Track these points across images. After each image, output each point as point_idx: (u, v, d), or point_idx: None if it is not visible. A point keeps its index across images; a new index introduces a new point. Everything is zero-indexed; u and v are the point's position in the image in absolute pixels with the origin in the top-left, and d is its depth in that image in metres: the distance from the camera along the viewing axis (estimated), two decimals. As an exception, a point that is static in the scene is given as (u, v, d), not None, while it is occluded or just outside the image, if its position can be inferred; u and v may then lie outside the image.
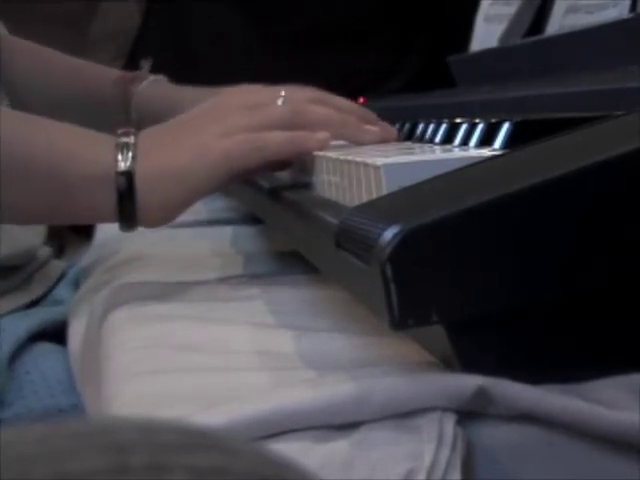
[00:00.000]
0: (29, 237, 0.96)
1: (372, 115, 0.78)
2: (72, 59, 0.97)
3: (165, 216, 0.71)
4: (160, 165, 0.70)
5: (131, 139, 0.71)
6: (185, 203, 0.71)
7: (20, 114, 0.74)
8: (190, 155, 0.70)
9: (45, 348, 0.85)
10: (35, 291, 0.94)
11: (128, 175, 0.69)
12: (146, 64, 0.97)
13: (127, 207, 0.69)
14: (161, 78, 0.77)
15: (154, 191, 0.70)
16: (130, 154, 0.70)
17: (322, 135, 0.71)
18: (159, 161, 0.70)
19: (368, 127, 0.75)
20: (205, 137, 0.70)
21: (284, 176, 0.77)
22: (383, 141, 0.75)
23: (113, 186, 0.69)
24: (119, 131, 0.71)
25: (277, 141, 0.70)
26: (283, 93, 0.75)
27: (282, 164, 0.74)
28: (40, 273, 0.96)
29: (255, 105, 0.74)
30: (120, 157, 0.69)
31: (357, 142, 0.74)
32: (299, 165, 0.74)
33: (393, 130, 0.77)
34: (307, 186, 0.69)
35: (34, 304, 0.92)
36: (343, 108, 0.77)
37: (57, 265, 1.00)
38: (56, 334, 0.85)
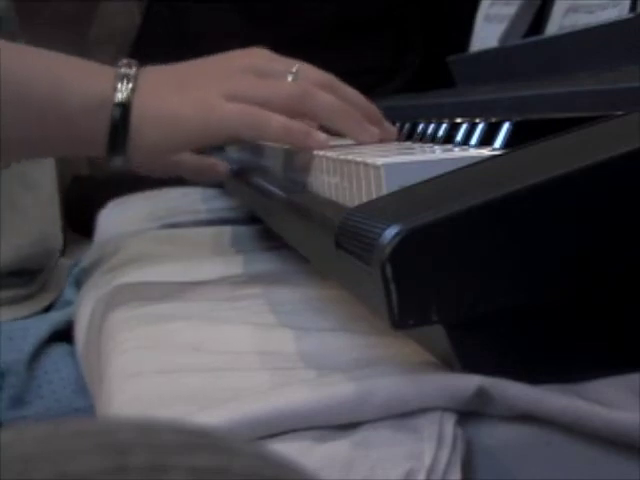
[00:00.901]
0: (46, 240, 0.96)
1: (378, 113, 0.77)
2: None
3: (153, 155, 0.72)
4: (159, 107, 0.70)
5: (132, 70, 0.70)
6: (173, 150, 0.72)
7: (20, 46, 0.73)
8: (191, 108, 0.70)
9: (62, 349, 0.86)
10: (51, 294, 0.95)
11: (124, 107, 0.68)
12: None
13: (119, 138, 0.69)
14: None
15: (147, 131, 0.69)
16: (130, 85, 0.69)
17: (321, 137, 0.70)
18: (159, 103, 0.70)
19: (369, 126, 0.75)
20: (210, 94, 0.70)
21: (284, 176, 0.77)
22: (381, 142, 0.74)
23: (108, 115, 0.68)
24: (121, 61, 0.71)
25: (276, 127, 0.70)
26: (295, 69, 0.74)
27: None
28: (54, 275, 0.97)
29: (265, 73, 0.74)
30: (119, 87, 0.69)
31: (355, 139, 0.73)
32: (299, 165, 0.74)
33: (394, 131, 0.77)
34: (307, 186, 0.69)
35: (49, 307, 0.93)
36: (351, 100, 0.76)
37: (63, 265, 1.01)
38: (69, 334, 0.86)
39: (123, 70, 0.70)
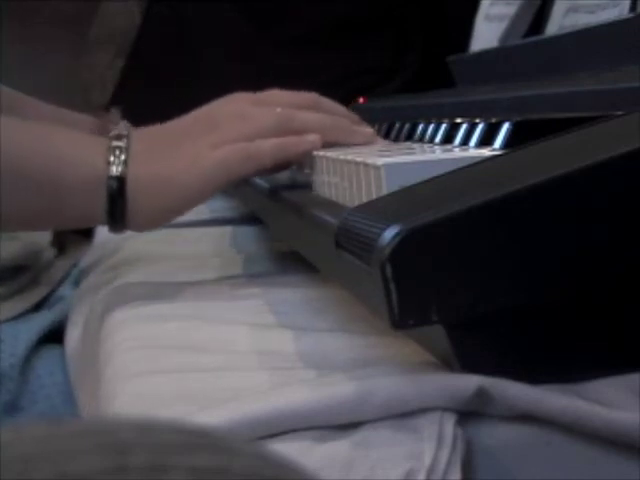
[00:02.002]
0: (32, 237, 0.96)
1: (357, 117, 0.79)
2: (54, 110, 0.94)
3: (155, 222, 0.72)
4: (152, 172, 0.70)
5: (123, 142, 0.71)
6: (176, 211, 0.72)
7: (15, 121, 0.73)
8: (183, 164, 0.70)
9: (55, 351, 0.85)
10: (40, 292, 0.94)
11: (120, 180, 0.69)
12: (116, 111, 0.97)
13: (117, 211, 0.70)
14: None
15: (145, 197, 0.70)
16: (122, 157, 0.70)
17: (312, 137, 0.71)
18: (151, 168, 0.70)
19: (359, 128, 0.76)
20: (198, 146, 0.71)
21: (284, 176, 0.77)
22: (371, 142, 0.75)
23: (104, 189, 0.69)
24: (111, 134, 0.72)
25: (269, 148, 0.71)
26: (279, 110, 0.75)
27: (278, 168, 0.74)
28: (45, 274, 0.96)
29: (247, 114, 0.75)
30: (112, 160, 0.70)
31: (349, 144, 0.74)
32: (299, 165, 0.74)
33: (372, 132, 0.78)
34: (307, 186, 0.69)
35: (39, 305, 0.93)
36: (332, 111, 0.77)
37: (61, 265, 1.00)
38: (63, 335, 0.85)
39: (114, 143, 0.71)
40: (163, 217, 0.72)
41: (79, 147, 0.72)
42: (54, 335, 0.86)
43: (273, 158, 0.71)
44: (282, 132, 0.72)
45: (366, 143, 0.74)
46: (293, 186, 0.72)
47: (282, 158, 0.72)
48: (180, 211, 0.72)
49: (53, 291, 0.96)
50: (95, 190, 0.69)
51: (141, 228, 0.72)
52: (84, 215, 0.72)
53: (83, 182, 0.70)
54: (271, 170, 0.74)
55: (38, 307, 0.92)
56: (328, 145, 0.72)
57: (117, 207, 0.69)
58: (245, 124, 0.73)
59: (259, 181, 0.78)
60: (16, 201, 0.69)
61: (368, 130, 0.76)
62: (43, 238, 0.99)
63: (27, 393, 0.80)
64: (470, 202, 0.39)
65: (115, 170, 0.69)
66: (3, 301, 0.89)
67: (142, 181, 0.70)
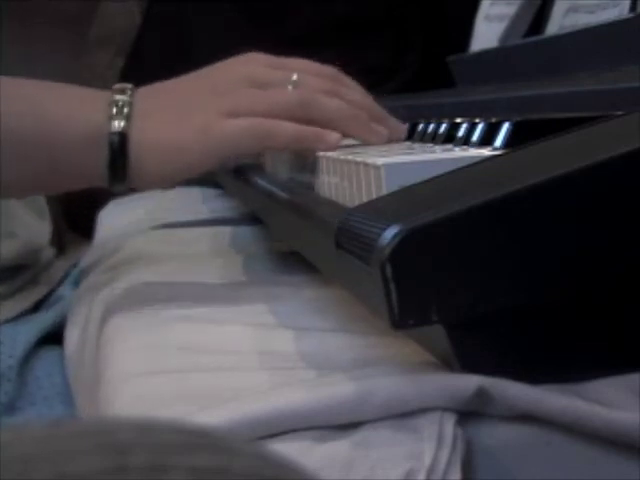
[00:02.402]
0: (34, 237, 0.95)
1: (383, 112, 0.75)
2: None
3: (156, 183, 0.70)
4: (158, 135, 0.67)
5: (127, 96, 0.68)
6: (178, 176, 0.69)
7: (5, 81, 0.70)
8: (191, 132, 0.67)
9: (53, 352, 0.84)
10: (40, 292, 0.93)
11: (121, 136, 0.66)
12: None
13: (119, 168, 0.67)
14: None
15: (148, 160, 0.67)
16: (125, 111, 0.67)
17: (331, 137, 0.68)
18: (157, 128, 0.68)
19: (377, 127, 0.73)
20: (209, 115, 0.68)
21: (284, 176, 0.77)
22: (390, 141, 0.73)
23: (105, 145, 0.66)
24: (114, 86, 0.69)
25: (284, 135, 0.68)
26: (295, 77, 0.72)
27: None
28: (45, 274, 0.96)
29: (264, 83, 0.71)
30: (114, 114, 0.67)
31: (363, 141, 0.71)
32: (299, 165, 0.73)
33: (403, 128, 0.75)
34: (307, 186, 0.69)
35: (38, 305, 0.92)
36: (356, 102, 0.74)
37: (61, 266, 1.00)
38: (62, 335, 0.85)
39: (117, 96, 0.67)
40: (165, 179, 0.69)
41: (75, 102, 0.69)
42: (53, 336, 0.86)
43: (284, 145, 0.69)
44: (300, 115, 0.69)
45: (381, 143, 0.71)
46: (293, 186, 0.72)
47: (294, 148, 0.69)
48: (184, 175, 0.69)
49: (52, 291, 0.95)
50: (94, 146, 0.66)
51: (143, 187, 0.71)
52: (84, 173, 0.68)
53: (80, 138, 0.67)
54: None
55: (37, 307, 0.92)
56: (343, 135, 0.70)
57: (118, 164, 0.66)
58: (259, 96, 0.69)
59: (259, 181, 0.78)
60: (14, 164, 0.67)
61: (385, 131, 0.73)
62: (42, 238, 0.99)
63: (25, 394, 0.79)
64: (470, 202, 0.39)
65: (117, 125, 0.66)
66: (2, 301, 0.88)
67: (146, 140, 0.67)
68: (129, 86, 0.69)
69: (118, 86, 0.69)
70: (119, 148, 0.66)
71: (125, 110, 0.67)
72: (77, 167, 0.68)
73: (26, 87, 0.70)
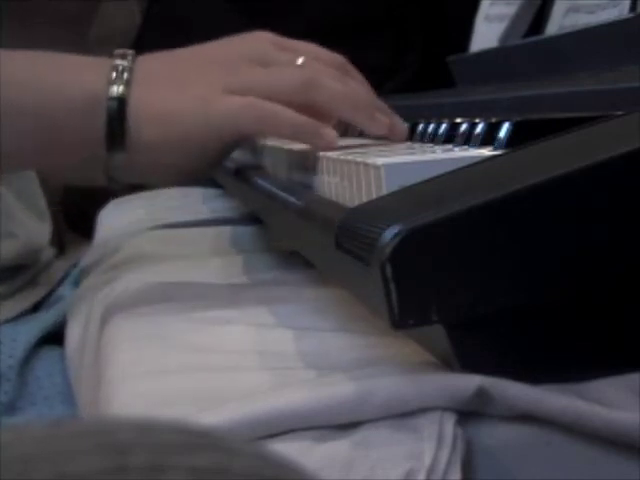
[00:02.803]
0: (34, 238, 0.95)
1: (386, 107, 0.74)
2: None
3: (154, 151, 0.68)
4: (157, 104, 0.66)
5: (127, 62, 0.66)
6: (176, 145, 0.67)
7: (4, 53, 0.68)
8: (190, 105, 0.66)
9: (53, 352, 0.84)
10: (40, 292, 0.93)
11: (120, 101, 0.65)
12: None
13: (117, 134, 0.65)
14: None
15: (145, 128, 0.66)
16: (125, 77, 0.65)
17: (330, 136, 0.67)
18: (156, 100, 0.66)
19: (379, 116, 0.71)
20: (210, 89, 0.66)
21: (284, 176, 0.77)
22: (390, 136, 0.71)
23: (104, 110, 0.65)
24: (116, 52, 0.67)
25: (283, 120, 0.66)
26: (301, 60, 0.70)
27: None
28: (44, 274, 0.96)
29: (270, 63, 0.70)
30: (113, 79, 0.65)
31: (365, 129, 0.70)
32: (299, 165, 0.73)
33: (404, 127, 0.73)
34: (307, 186, 0.69)
35: (38, 305, 0.92)
36: (359, 92, 0.73)
37: (60, 266, 1.00)
38: (62, 335, 0.85)
39: (117, 61, 0.66)
40: (161, 150, 0.67)
41: (73, 69, 0.67)
42: (53, 336, 0.86)
43: (283, 132, 0.67)
44: (299, 96, 0.67)
45: (382, 134, 0.70)
46: (293, 186, 0.72)
47: (292, 138, 0.68)
48: (178, 150, 0.67)
49: (52, 291, 0.95)
50: (94, 112, 0.65)
51: (140, 155, 0.67)
52: (83, 140, 0.67)
53: (78, 104, 0.65)
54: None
55: (37, 308, 0.92)
56: (343, 120, 0.69)
57: (116, 130, 0.65)
58: (262, 74, 0.68)
59: (259, 181, 0.78)
60: (14, 135, 0.65)
61: (386, 121, 0.71)
62: (42, 238, 0.99)
63: (25, 395, 0.79)
64: (470, 202, 0.39)
65: (116, 90, 0.65)
66: (2, 301, 0.88)
67: (144, 108, 0.65)
68: (130, 52, 0.68)
69: (119, 51, 0.68)
70: (117, 113, 0.65)
71: (125, 75, 0.66)
72: (76, 133, 0.66)
73: (25, 57, 0.69)
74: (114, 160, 0.67)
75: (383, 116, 0.72)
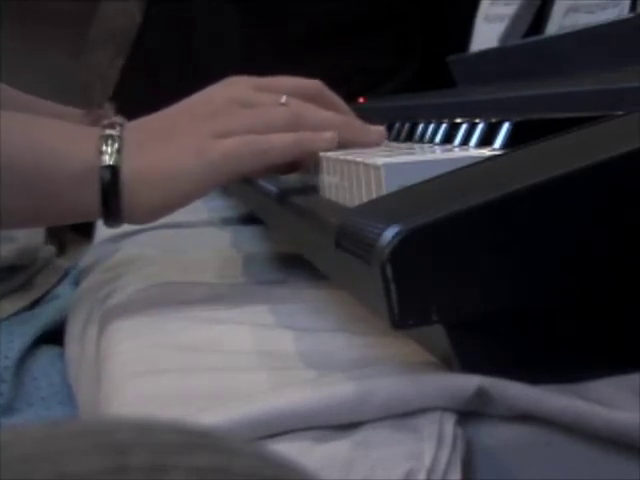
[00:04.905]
0: (28, 237, 0.95)
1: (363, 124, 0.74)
2: (54, 106, 0.91)
3: (154, 215, 0.68)
4: (150, 164, 0.66)
5: (116, 131, 0.67)
6: (177, 204, 0.68)
7: (3, 115, 0.69)
8: (185, 156, 0.66)
9: (50, 352, 0.84)
10: (37, 291, 0.93)
11: (113, 169, 0.65)
12: (110, 106, 0.95)
13: (112, 203, 0.66)
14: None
15: (143, 189, 0.66)
16: (115, 146, 0.66)
17: (329, 135, 0.68)
18: (149, 159, 0.67)
19: (371, 127, 0.72)
20: (201, 137, 0.67)
21: (284, 176, 0.77)
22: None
23: (97, 181, 0.65)
24: (104, 122, 0.68)
25: (282, 143, 0.67)
26: (283, 99, 0.71)
27: (288, 168, 0.71)
28: (42, 273, 0.96)
29: (253, 104, 0.71)
30: (104, 150, 0.66)
31: (362, 144, 0.70)
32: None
33: (383, 131, 0.73)
34: (307, 186, 0.69)
35: (35, 304, 0.92)
36: (335, 104, 0.74)
37: (59, 265, 1.00)
38: (60, 335, 0.85)
39: (107, 131, 0.67)
40: (163, 210, 0.68)
41: (67, 138, 0.68)
42: (51, 335, 0.86)
43: (287, 154, 0.67)
44: (294, 127, 0.68)
45: (379, 143, 0.71)
46: (293, 186, 0.72)
47: (294, 155, 0.68)
48: (182, 204, 0.68)
49: (50, 291, 0.95)
50: (86, 182, 0.65)
51: (139, 222, 0.69)
52: (77, 209, 0.68)
53: (73, 174, 0.66)
54: (280, 170, 0.71)
55: (34, 306, 0.92)
56: (339, 144, 0.69)
57: (112, 200, 0.66)
58: (253, 115, 0.69)
59: (259, 181, 0.78)
60: (4, 199, 0.66)
61: (380, 130, 0.72)
62: (38, 238, 0.99)
63: (22, 395, 0.79)
64: (470, 202, 0.39)
65: (108, 160, 0.65)
66: (1, 299, 0.88)
67: (139, 173, 0.66)
68: (119, 121, 0.68)
69: (107, 121, 0.68)
70: (111, 183, 0.65)
71: (115, 145, 0.66)
72: (72, 203, 0.67)
73: (22, 120, 0.69)
74: (110, 224, 0.68)
75: (373, 128, 0.72)
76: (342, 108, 0.75)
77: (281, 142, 0.67)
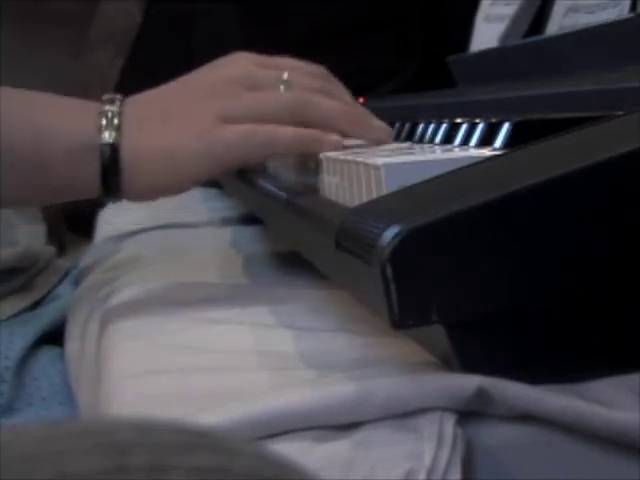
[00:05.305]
0: (29, 241, 0.95)
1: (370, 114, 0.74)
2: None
3: (153, 195, 0.68)
4: (152, 141, 0.66)
5: (116, 106, 0.66)
6: (177, 187, 0.67)
7: (1, 92, 0.68)
8: (186, 137, 0.65)
9: (51, 352, 0.84)
10: (38, 292, 0.93)
11: (112, 147, 0.64)
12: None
13: (112, 181, 0.65)
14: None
15: (143, 168, 0.65)
16: (115, 122, 0.65)
17: (334, 138, 0.67)
18: (150, 138, 0.66)
19: (375, 122, 0.71)
20: (204, 119, 0.66)
21: (283, 176, 0.77)
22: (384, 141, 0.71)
23: (97, 157, 0.65)
24: (104, 97, 0.67)
25: (284, 139, 0.66)
26: (286, 76, 0.70)
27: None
28: (43, 274, 0.96)
29: (256, 84, 0.69)
30: (104, 125, 0.65)
31: (367, 140, 0.70)
32: (299, 165, 0.73)
33: (389, 130, 0.73)
34: (307, 186, 0.69)
35: (35, 305, 0.92)
36: (346, 100, 0.73)
37: (60, 265, 1.00)
38: (60, 335, 0.85)
39: (106, 107, 0.66)
40: (162, 190, 0.67)
41: (66, 113, 0.67)
42: (51, 336, 0.86)
43: (286, 150, 0.67)
44: (297, 117, 0.67)
45: (383, 140, 0.70)
46: (293, 186, 0.72)
47: (296, 152, 0.67)
48: (182, 188, 0.67)
49: (51, 291, 0.95)
50: (85, 159, 0.65)
51: (138, 199, 0.68)
52: (76, 186, 0.67)
53: (71, 150, 0.65)
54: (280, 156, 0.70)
55: (35, 307, 0.92)
56: (342, 133, 0.68)
57: (111, 177, 0.65)
58: (253, 99, 0.68)
59: (259, 181, 0.78)
60: (12, 172, 0.65)
61: (384, 125, 0.71)
62: (39, 239, 0.99)
63: (23, 396, 0.79)
64: (470, 202, 0.39)
65: (108, 136, 0.65)
66: (1, 300, 0.88)
67: (140, 151, 0.65)
68: (118, 96, 0.68)
69: (107, 96, 0.67)
70: (111, 160, 0.65)
71: (115, 121, 0.65)
72: (70, 179, 0.66)
73: (21, 97, 0.68)
74: (109, 200, 0.68)
75: (378, 122, 0.71)
76: (344, 96, 0.73)
77: (283, 138, 0.66)
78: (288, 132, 0.67)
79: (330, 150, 0.67)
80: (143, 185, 0.66)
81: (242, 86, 0.69)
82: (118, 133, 0.65)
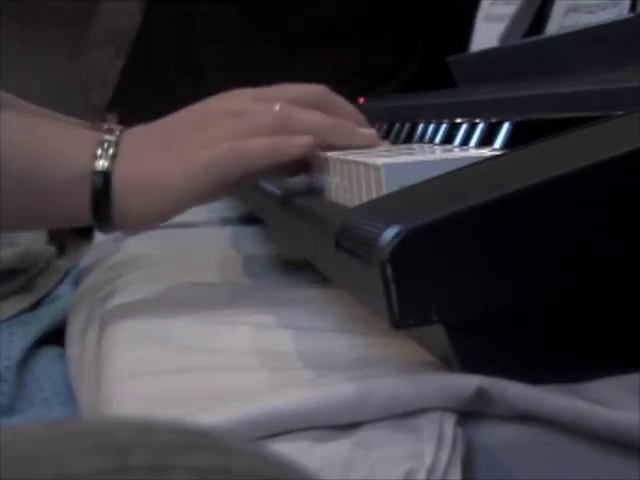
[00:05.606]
0: (29, 242, 0.95)
1: (362, 117, 0.74)
2: (59, 117, 0.89)
3: (143, 224, 0.68)
4: (139, 172, 0.66)
5: (114, 137, 0.67)
6: (163, 213, 0.67)
7: (3, 116, 0.69)
8: (171, 164, 0.66)
9: (51, 353, 0.84)
10: (38, 293, 0.93)
11: (105, 175, 0.65)
12: (113, 117, 0.95)
13: (103, 209, 0.66)
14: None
15: (131, 199, 0.66)
16: (111, 152, 0.66)
17: (303, 139, 0.67)
18: (138, 168, 0.66)
19: (361, 130, 0.71)
20: (186, 148, 0.67)
21: (285, 177, 0.77)
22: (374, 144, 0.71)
23: (89, 185, 0.65)
24: (105, 127, 0.68)
25: (257, 148, 0.66)
26: (277, 107, 0.70)
27: (294, 169, 0.69)
28: (43, 275, 0.96)
29: (242, 112, 0.70)
30: (99, 154, 0.66)
31: (350, 146, 0.69)
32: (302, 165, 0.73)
33: (374, 134, 0.72)
34: (307, 186, 0.69)
35: (36, 305, 0.92)
36: (338, 108, 0.72)
37: (60, 265, 1.00)
38: (60, 335, 0.85)
39: (105, 137, 0.66)
40: (154, 219, 0.67)
41: (66, 140, 0.68)
42: (52, 336, 0.86)
43: (262, 159, 0.66)
44: (278, 132, 0.67)
45: (368, 145, 0.69)
46: (293, 186, 0.72)
47: (272, 159, 0.67)
48: (167, 214, 0.67)
49: (51, 292, 0.95)
50: (79, 186, 0.65)
51: (130, 229, 0.69)
52: (70, 213, 0.67)
53: (67, 177, 0.66)
54: (289, 171, 0.70)
55: (35, 308, 0.92)
56: (329, 147, 0.68)
57: (102, 205, 0.65)
58: (237, 122, 0.68)
59: (260, 181, 0.78)
60: (3, 200, 0.66)
61: (371, 132, 0.72)
62: (39, 241, 0.99)
63: (24, 396, 0.79)
64: (470, 202, 0.39)
65: (101, 165, 0.65)
66: (1, 301, 0.88)
67: (129, 179, 0.66)
68: (119, 127, 0.68)
69: (108, 126, 0.68)
70: (102, 188, 0.65)
71: (110, 150, 0.66)
72: (64, 206, 0.67)
73: (22, 121, 0.69)
74: (101, 230, 0.68)
75: (365, 130, 0.71)
76: (348, 110, 0.74)
77: (255, 146, 0.66)
78: (260, 142, 0.67)
79: (300, 152, 0.66)
80: (134, 214, 0.67)
81: (231, 116, 0.70)
82: (112, 162, 0.66)
